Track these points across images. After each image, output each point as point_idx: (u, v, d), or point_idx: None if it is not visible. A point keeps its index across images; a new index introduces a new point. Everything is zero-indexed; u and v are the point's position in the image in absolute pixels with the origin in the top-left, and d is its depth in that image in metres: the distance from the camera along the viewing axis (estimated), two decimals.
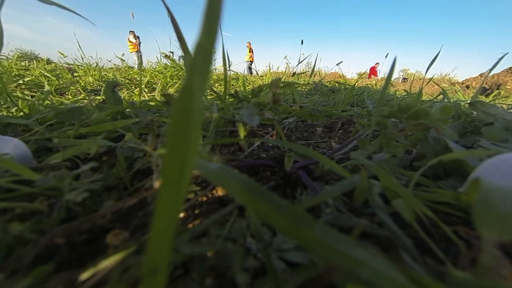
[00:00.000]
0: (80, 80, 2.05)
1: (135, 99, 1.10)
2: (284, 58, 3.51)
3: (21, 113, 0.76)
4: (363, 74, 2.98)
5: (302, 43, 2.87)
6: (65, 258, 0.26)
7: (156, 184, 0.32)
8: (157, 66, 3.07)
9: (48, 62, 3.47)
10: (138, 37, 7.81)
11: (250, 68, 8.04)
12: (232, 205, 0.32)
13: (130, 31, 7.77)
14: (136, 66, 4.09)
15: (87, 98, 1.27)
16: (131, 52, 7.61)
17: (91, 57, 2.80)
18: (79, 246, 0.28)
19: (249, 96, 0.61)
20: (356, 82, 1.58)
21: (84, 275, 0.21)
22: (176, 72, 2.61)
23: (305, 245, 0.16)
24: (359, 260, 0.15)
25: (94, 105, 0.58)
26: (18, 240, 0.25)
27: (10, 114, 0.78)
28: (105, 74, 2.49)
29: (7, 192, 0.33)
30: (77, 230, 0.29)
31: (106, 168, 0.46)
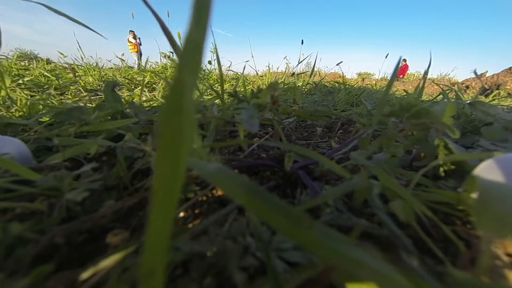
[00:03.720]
0: (80, 80, 2.05)
1: (135, 99, 1.10)
2: (284, 58, 3.51)
3: (21, 113, 0.76)
4: (364, 74, 2.98)
5: (302, 43, 2.87)
6: (65, 258, 0.26)
7: None
8: (156, 67, 3.07)
9: (48, 62, 3.46)
10: (139, 38, 7.79)
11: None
12: (231, 205, 0.32)
13: (130, 31, 7.77)
14: (136, 66, 4.09)
15: (87, 98, 1.26)
16: (131, 52, 7.61)
17: (91, 57, 2.80)
18: (79, 246, 0.28)
19: (249, 96, 0.60)
20: (357, 82, 1.58)
21: (84, 275, 0.21)
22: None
23: (304, 246, 0.16)
24: (358, 260, 0.15)
25: (94, 104, 0.58)
26: (18, 240, 0.25)
27: (10, 114, 0.78)
28: (105, 74, 2.48)
29: (7, 192, 0.33)
30: (77, 230, 0.29)
31: (106, 168, 0.46)
